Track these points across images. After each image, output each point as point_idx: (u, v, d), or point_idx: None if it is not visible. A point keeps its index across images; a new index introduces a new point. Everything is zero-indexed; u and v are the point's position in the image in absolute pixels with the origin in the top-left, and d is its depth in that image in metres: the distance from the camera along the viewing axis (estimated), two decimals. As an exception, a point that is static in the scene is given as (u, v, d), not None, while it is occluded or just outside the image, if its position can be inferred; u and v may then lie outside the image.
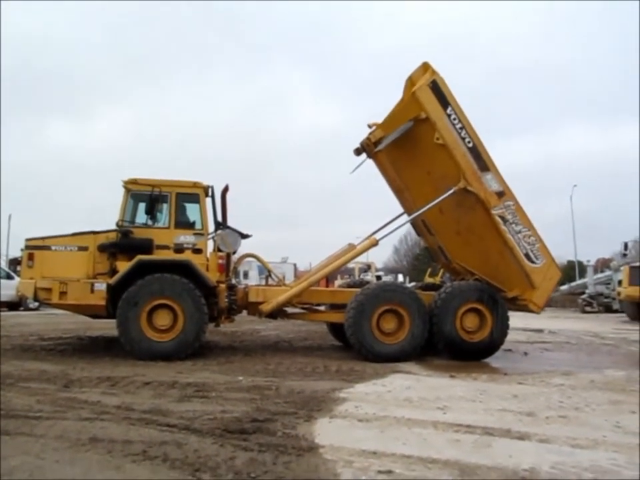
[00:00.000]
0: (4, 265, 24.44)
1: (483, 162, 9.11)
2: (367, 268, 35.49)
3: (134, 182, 9.18)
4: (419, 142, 9.34)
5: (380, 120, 9.96)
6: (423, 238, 11.45)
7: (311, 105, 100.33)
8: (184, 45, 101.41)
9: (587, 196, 74.99)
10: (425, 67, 9.23)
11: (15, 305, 21.21)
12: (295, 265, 39.99)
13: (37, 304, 19.43)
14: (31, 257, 8.85)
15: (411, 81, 9.37)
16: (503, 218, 9.11)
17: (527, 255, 9.17)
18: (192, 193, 9.34)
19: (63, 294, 8.56)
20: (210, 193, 9.56)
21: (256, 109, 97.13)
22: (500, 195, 9.15)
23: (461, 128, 9.01)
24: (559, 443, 4.36)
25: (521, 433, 4.61)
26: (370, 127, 10.06)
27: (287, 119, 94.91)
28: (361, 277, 30.52)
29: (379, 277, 32.67)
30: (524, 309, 9.54)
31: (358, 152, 10.27)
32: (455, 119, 9.00)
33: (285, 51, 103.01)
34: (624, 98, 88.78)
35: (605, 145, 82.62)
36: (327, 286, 19.42)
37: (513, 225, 9.14)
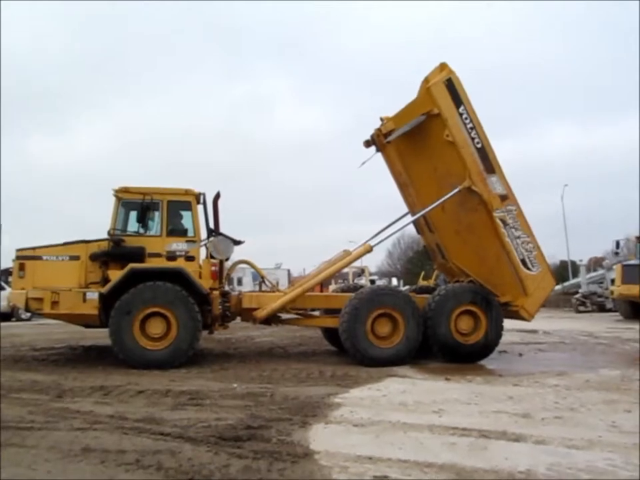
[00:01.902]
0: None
1: (489, 164, 9.17)
2: (361, 272, 35.43)
3: (125, 190, 9.14)
4: (429, 137, 9.39)
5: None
6: (422, 235, 11.42)
7: (293, 108, 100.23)
8: (163, 49, 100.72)
9: (577, 195, 75.31)
10: (442, 66, 9.33)
11: (6, 315, 21.05)
12: (288, 270, 39.93)
13: (28, 314, 19.33)
14: (22, 267, 8.79)
15: (426, 81, 9.43)
16: (503, 221, 9.14)
17: (523, 261, 9.19)
18: (184, 201, 9.32)
19: (55, 304, 8.50)
20: (202, 200, 9.54)
21: (238, 114, 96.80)
22: (503, 198, 9.19)
23: (471, 128, 9.08)
24: (554, 444, 4.36)
25: (516, 435, 4.60)
26: (382, 120, 10.10)
27: (268, 123, 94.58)
28: (355, 281, 30.49)
29: (372, 281, 32.66)
30: (515, 315, 9.51)
31: (368, 144, 10.37)
32: (466, 118, 9.07)
33: (266, 54, 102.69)
34: (608, 97, 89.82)
35: (591, 143, 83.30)
36: (321, 291, 19.38)
37: (513, 230, 9.17)
